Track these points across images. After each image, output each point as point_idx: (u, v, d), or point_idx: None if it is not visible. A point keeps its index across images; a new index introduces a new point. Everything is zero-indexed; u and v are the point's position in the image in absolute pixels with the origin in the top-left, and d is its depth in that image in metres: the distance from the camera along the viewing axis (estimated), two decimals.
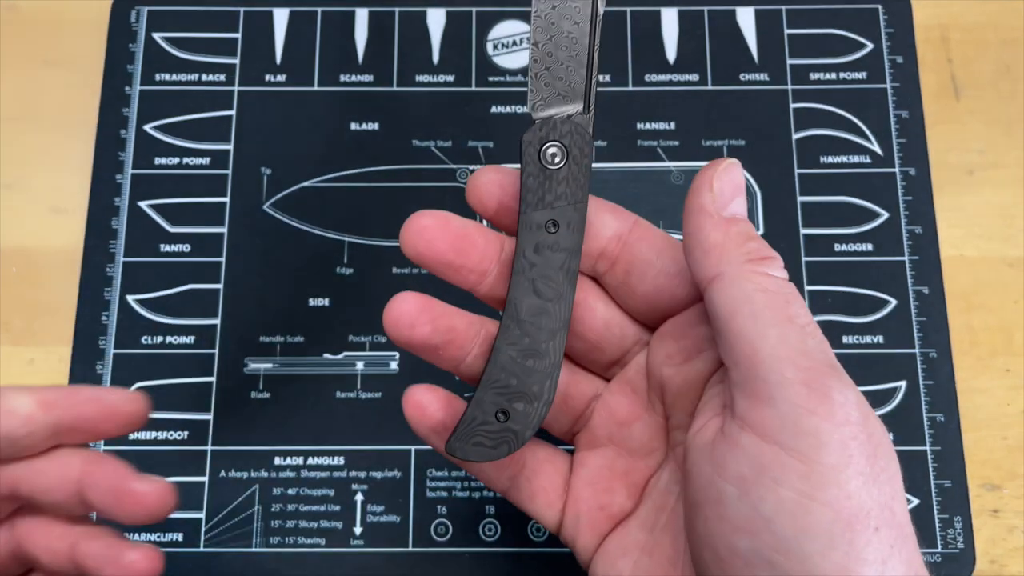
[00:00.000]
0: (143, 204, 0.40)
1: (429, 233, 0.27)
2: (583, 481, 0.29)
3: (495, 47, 0.42)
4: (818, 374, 0.24)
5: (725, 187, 0.26)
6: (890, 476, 0.24)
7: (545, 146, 0.27)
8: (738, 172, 0.26)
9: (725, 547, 0.24)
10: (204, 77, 0.41)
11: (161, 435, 0.37)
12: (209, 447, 0.37)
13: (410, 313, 0.28)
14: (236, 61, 0.42)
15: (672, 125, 0.41)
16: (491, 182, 0.28)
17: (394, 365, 0.38)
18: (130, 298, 0.38)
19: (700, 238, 0.26)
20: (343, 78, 0.41)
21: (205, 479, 0.36)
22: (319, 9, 0.42)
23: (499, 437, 0.27)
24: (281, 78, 0.41)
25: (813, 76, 0.41)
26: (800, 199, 0.40)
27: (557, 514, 0.29)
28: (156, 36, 0.42)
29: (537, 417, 0.27)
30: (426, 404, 0.28)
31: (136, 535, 0.36)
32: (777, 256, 0.26)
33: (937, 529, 0.36)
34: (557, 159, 0.27)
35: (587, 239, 0.28)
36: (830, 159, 0.40)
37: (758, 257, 0.25)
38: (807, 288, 0.38)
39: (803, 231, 0.39)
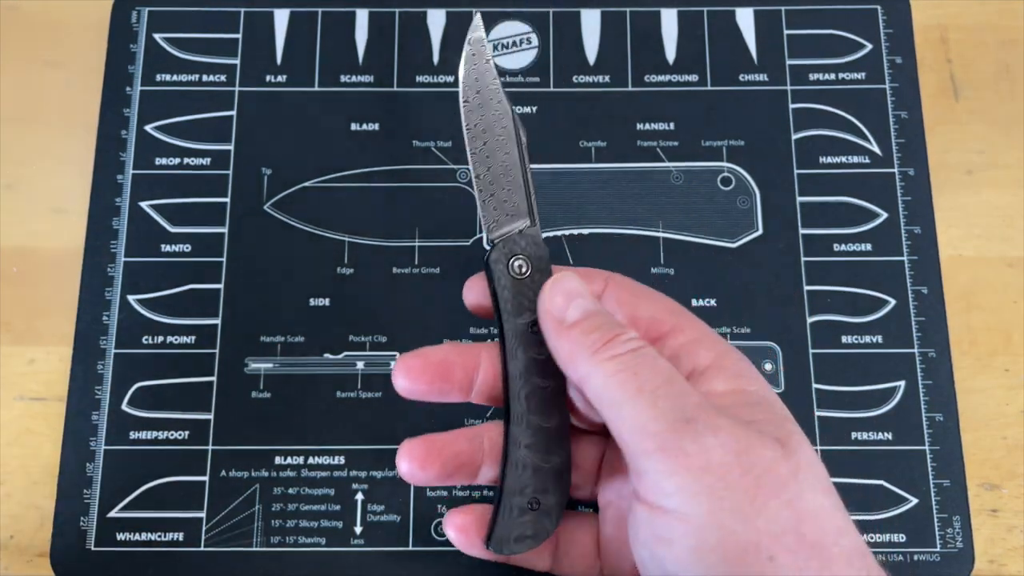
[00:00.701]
0: (144, 204, 0.40)
1: (415, 372, 0.30)
2: (610, 536, 0.31)
3: (495, 47, 0.42)
4: (671, 434, 0.25)
5: (557, 299, 0.28)
6: (788, 501, 0.24)
7: (511, 260, 0.30)
8: (567, 281, 0.28)
9: None
10: (205, 77, 0.41)
11: (162, 435, 0.37)
12: (210, 447, 0.37)
13: (419, 459, 0.30)
14: (236, 61, 0.42)
15: (671, 125, 0.41)
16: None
17: (394, 365, 0.38)
18: (131, 298, 0.38)
19: (557, 354, 0.28)
20: (343, 78, 0.41)
21: (205, 479, 0.36)
22: (319, 10, 0.42)
23: (536, 524, 0.30)
24: (281, 78, 0.41)
25: (812, 76, 0.41)
26: (799, 199, 0.40)
27: (598, 571, 0.31)
28: (157, 37, 0.42)
29: (563, 493, 0.30)
30: (468, 526, 0.31)
31: (137, 534, 0.36)
32: (623, 331, 0.27)
33: (936, 528, 0.36)
34: (524, 269, 0.30)
35: None
36: (829, 159, 0.40)
37: (601, 344, 0.27)
38: (806, 288, 0.39)
39: (802, 231, 0.39)
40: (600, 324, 0.27)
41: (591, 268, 0.31)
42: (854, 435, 0.37)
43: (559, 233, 0.39)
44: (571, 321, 0.27)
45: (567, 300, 0.28)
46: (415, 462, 0.30)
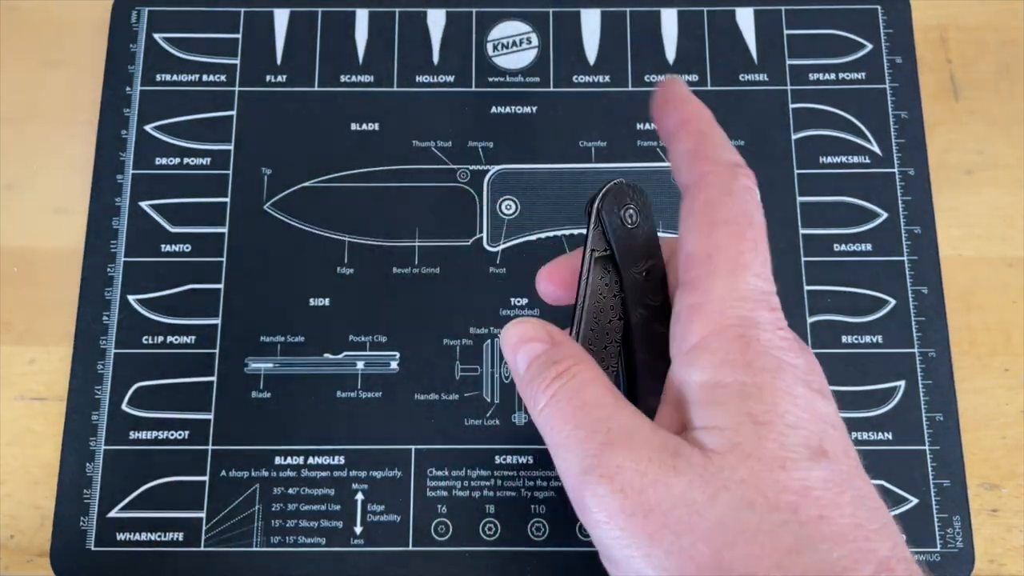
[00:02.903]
0: (144, 204, 0.40)
1: (556, 278, 0.30)
2: None
3: (495, 47, 0.42)
4: (577, 490, 0.24)
5: (508, 355, 0.28)
6: (706, 533, 0.22)
7: (623, 210, 0.29)
8: (507, 334, 0.28)
9: None
10: (205, 77, 0.41)
11: (162, 435, 0.37)
12: (210, 447, 0.37)
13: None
14: (237, 61, 0.42)
15: None
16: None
17: (394, 365, 0.38)
18: (131, 298, 0.38)
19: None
20: (343, 78, 0.41)
21: (206, 479, 0.36)
22: (319, 9, 0.42)
23: None
24: (281, 78, 0.41)
25: (812, 76, 0.41)
26: (799, 199, 0.40)
27: None
28: (157, 36, 0.42)
29: None
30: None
31: (137, 534, 0.36)
32: (552, 368, 0.26)
33: (936, 528, 0.36)
34: (635, 218, 0.29)
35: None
36: (829, 159, 0.40)
37: (532, 399, 0.26)
38: (806, 288, 0.39)
39: (802, 231, 0.39)
40: (536, 372, 0.27)
41: (715, 150, 0.27)
42: (854, 435, 0.37)
43: (559, 233, 0.39)
44: (522, 373, 0.27)
45: (512, 354, 0.28)
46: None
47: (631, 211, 0.29)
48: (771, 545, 0.21)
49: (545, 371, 0.26)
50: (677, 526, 0.22)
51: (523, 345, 0.27)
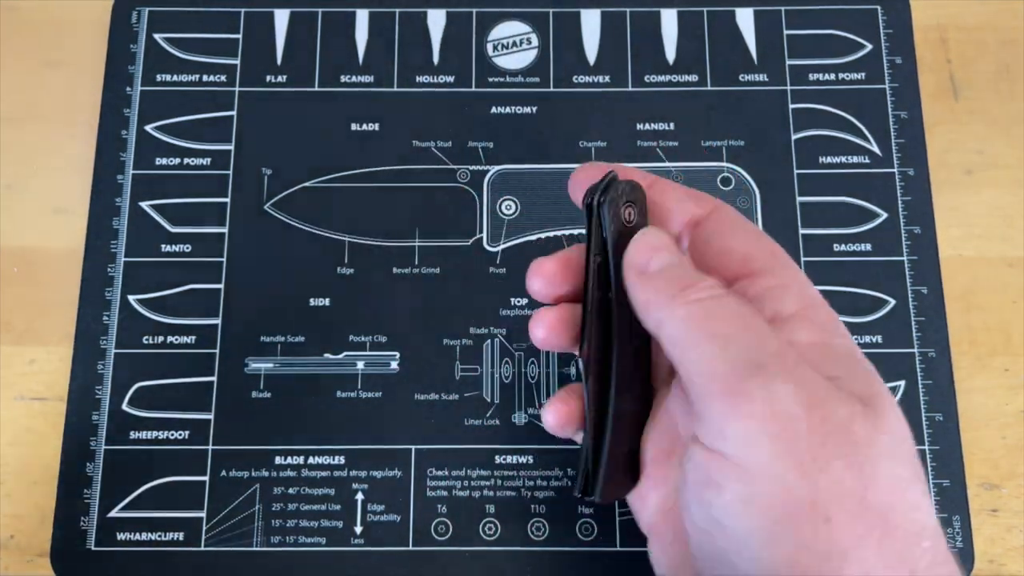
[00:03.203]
0: (144, 204, 0.40)
1: (547, 274, 0.30)
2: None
3: (495, 47, 0.42)
4: (737, 378, 0.24)
5: (640, 252, 0.28)
6: (856, 463, 0.23)
7: (623, 207, 0.29)
8: (651, 235, 0.28)
9: (696, 547, 0.26)
10: (205, 78, 0.41)
11: (162, 435, 0.37)
12: (210, 446, 0.37)
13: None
14: (237, 62, 0.42)
15: (671, 126, 0.41)
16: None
17: (394, 365, 0.38)
18: (131, 298, 0.38)
19: (636, 304, 0.27)
20: (343, 79, 0.41)
21: (206, 478, 0.36)
22: (319, 10, 0.42)
23: (633, 469, 0.29)
24: (282, 79, 0.41)
25: (812, 77, 0.41)
26: (799, 199, 0.40)
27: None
28: (157, 37, 0.42)
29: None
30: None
31: (137, 534, 0.36)
32: (703, 279, 0.26)
33: None
34: (632, 216, 0.29)
35: (669, 221, 0.30)
36: (829, 159, 0.40)
37: (678, 290, 0.26)
38: None
39: (802, 231, 0.39)
40: (680, 274, 0.27)
41: (702, 193, 0.30)
42: None
43: (559, 233, 0.39)
44: (652, 271, 0.27)
45: (650, 252, 0.27)
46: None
47: (630, 209, 0.29)
48: (907, 492, 0.24)
49: (695, 276, 0.27)
50: (837, 449, 0.23)
51: (658, 251, 0.27)
